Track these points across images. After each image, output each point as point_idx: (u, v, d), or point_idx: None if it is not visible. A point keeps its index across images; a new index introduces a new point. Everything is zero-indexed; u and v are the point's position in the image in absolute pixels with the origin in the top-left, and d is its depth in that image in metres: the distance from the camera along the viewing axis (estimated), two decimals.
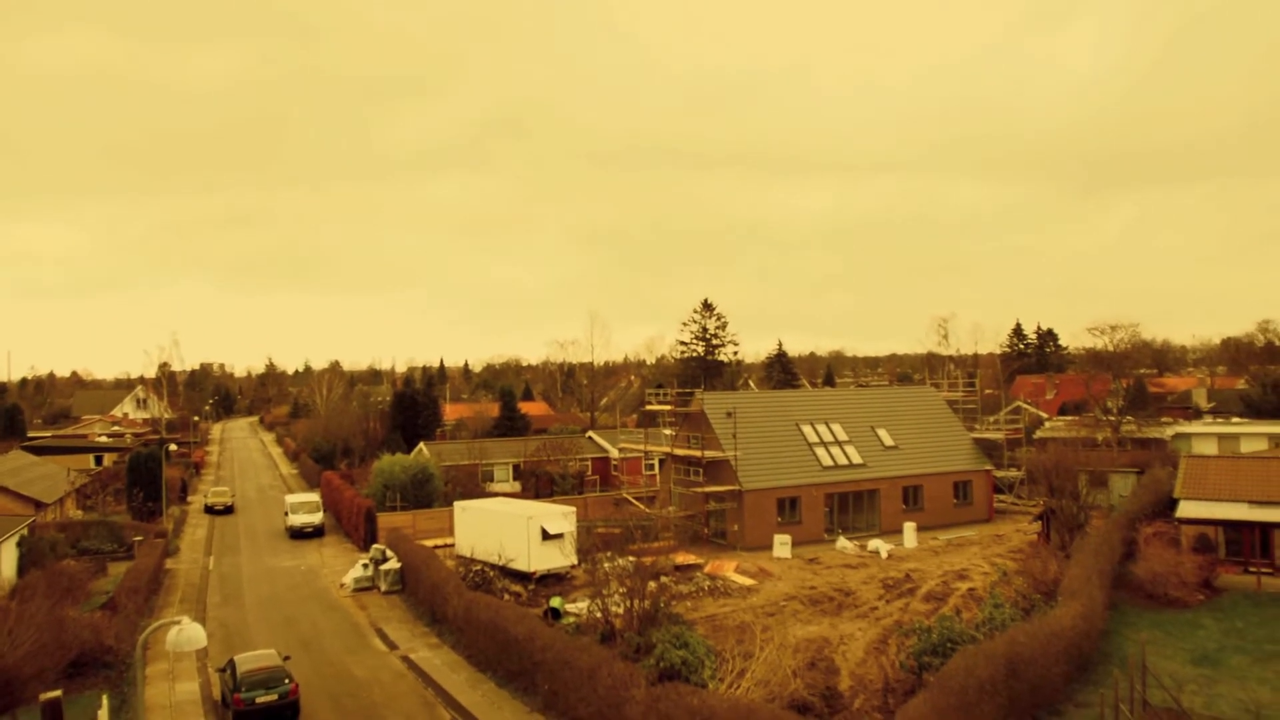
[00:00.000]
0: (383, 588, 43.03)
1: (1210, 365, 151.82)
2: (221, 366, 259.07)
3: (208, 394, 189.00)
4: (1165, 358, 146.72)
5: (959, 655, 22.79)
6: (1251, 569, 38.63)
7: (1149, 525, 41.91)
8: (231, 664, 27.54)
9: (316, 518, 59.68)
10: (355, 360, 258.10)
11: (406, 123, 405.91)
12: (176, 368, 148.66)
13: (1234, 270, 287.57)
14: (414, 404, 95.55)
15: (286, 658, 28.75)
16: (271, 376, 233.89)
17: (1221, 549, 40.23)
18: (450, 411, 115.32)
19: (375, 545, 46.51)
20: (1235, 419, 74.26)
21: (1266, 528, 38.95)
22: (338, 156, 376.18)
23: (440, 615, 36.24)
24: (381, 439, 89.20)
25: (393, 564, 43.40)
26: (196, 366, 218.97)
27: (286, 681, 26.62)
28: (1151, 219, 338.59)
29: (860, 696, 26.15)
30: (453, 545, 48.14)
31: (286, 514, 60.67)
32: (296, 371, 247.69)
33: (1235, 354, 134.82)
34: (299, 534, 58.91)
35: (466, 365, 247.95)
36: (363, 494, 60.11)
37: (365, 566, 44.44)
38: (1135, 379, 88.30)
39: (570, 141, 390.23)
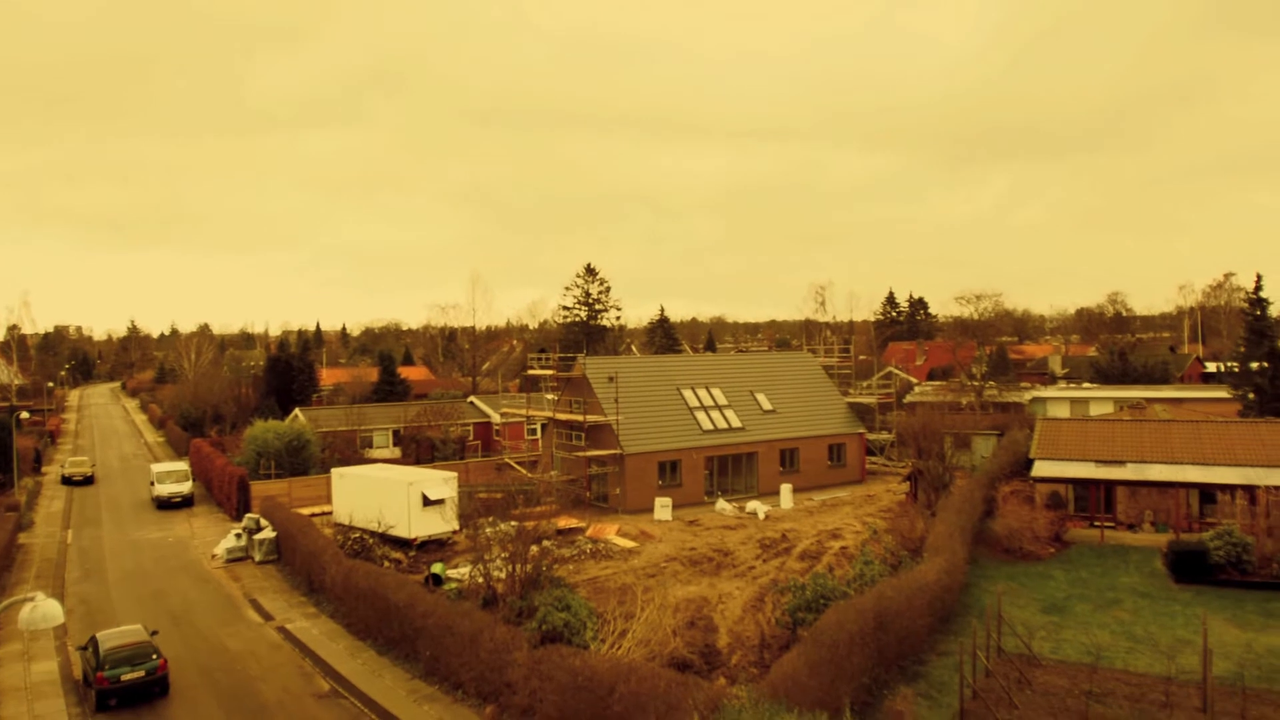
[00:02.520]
0: (257, 558, 41.86)
1: (1065, 334, 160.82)
2: (79, 329, 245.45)
3: (64, 358, 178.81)
4: (1025, 326, 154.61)
5: (831, 610, 23.72)
6: (1096, 523, 41.47)
7: (1007, 484, 44.41)
8: (94, 641, 26.35)
9: (185, 487, 57.40)
10: (226, 323, 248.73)
11: (278, 74, 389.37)
12: (28, 330, 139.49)
13: (1090, 243, 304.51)
14: (289, 369, 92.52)
15: (154, 633, 27.73)
16: (135, 340, 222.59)
17: (1071, 505, 43.02)
18: (327, 376, 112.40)
19: (249, 514, 45.12)
20: (1086, 384, 79.03)
21: (1110, 485, 41.80)
22: (206, 107, 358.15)
23: (318, 584, 35.54)
24: (254, 405, 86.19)
25: (267, 533, 42.23)
26: (50, 329, 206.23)
27: (154, 657, 25.70)
28: (1020, 193, 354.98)
29: (738, 653, 26.98)
30: (330, 513, 47.18)
31: (152, 484, 58.08)
32: (162, 335, 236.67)
33: (1088, 323, 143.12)
34: (166, 504, 56.55)
35: (344, 329, 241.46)
36: (235, 462, 58.13)
37: (238, 536, 43.10)
38: (997, 346, 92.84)
39: (448, 98, 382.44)
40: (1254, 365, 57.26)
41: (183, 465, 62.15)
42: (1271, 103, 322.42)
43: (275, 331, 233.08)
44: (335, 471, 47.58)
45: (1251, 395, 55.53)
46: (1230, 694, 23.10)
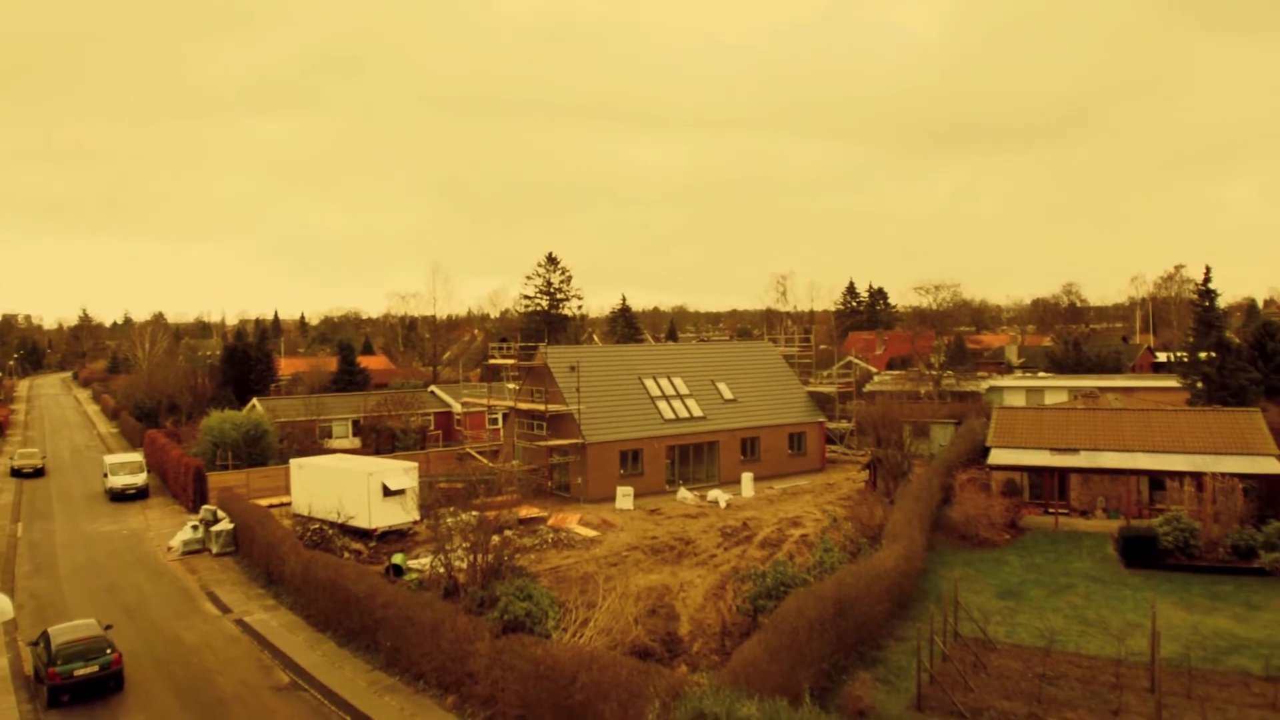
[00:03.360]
0: (214, 550, 41.34)
1: (1021, 324, 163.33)
2: (28, 318, 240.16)
3: (12, 348, 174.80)
4: (983, 316, 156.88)
5: (791, 597, 23.94)
6: (1050, 510, 42.24)
7: (964, 472, 45.03)
8: (45, 636, 25.85)
9: (139, 479, 56.44)
10: (181, 312, 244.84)
11: (229, 56, 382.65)
12: None
13: (1046, 235, 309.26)
14: (246, 358, 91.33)
15: (108, 627, 27.31)
16: (86, 329, 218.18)
17: (1026, 492, 43.77)
18: (285, 366, 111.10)
19: (205, 506, 44.54)
20: (1041, 374, 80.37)
21: (1064, 472, 42.57)
22: (155, 89, 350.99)
23: (276, 576, 35.19)
24: (211, 395, 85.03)
25: (224, 525, 41.71)
26: None
27: (108, 652, 25.30)
28: (978, 184, 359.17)
29: (699, 640, 27.16)
30: (289, 504, 46.72)
31: (106, 475, 57.04)
32: (115, 324, 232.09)
33: (1043, 314, 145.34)
34: (120, 496, 55.56)
35: (303, 318, 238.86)
36: (191, 453, 57.30)
37: (195, 528, 42.52)
38: (955, 336, 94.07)
39: (407, 84, 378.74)
40: (1202, 355, 58.54)
41: (137, 457, 61.14)
42: (1222, 99, 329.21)
43: (232, 320, 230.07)
44: (294, 462, 47.10)
45: (1200, 384, 56.79)
46: (1177, 675, 23.69)
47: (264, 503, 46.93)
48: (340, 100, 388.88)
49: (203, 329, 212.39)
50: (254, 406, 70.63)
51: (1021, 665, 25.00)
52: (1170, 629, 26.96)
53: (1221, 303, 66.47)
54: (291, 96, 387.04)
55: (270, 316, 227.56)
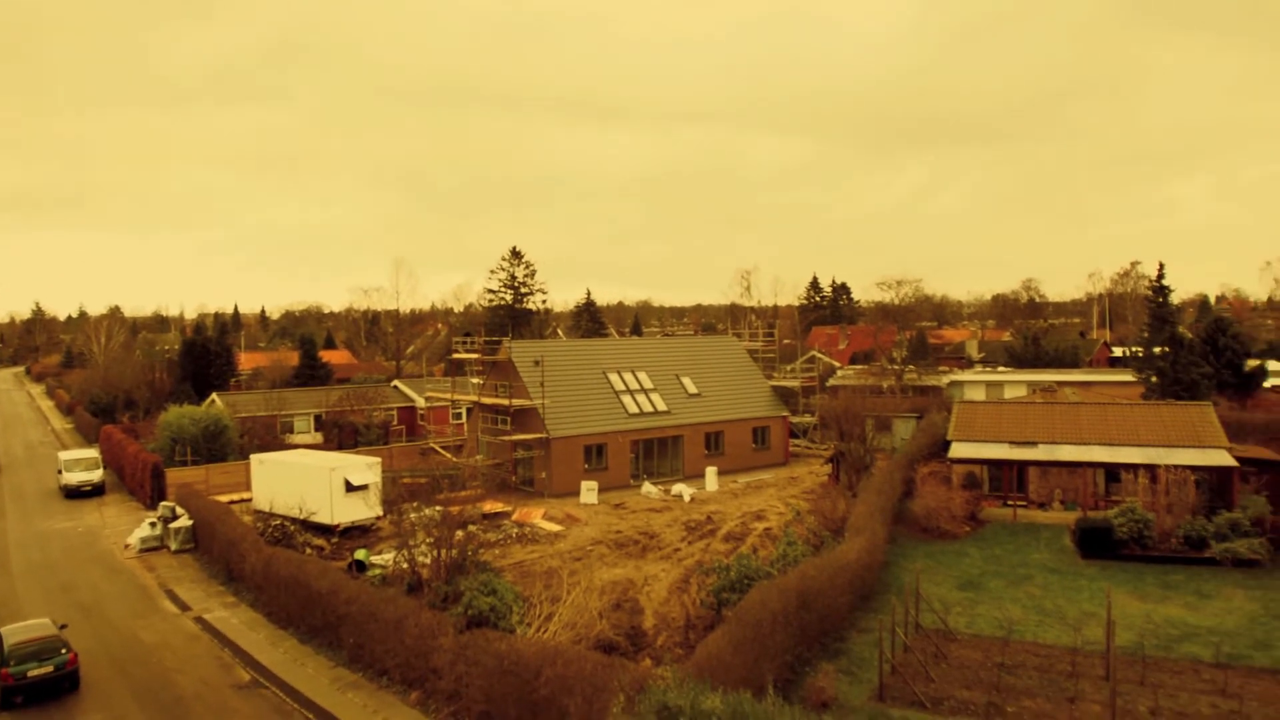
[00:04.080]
0: (173, 547, 40.75)
1: (982, 319, 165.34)
2: None
3: None
4: (944, 311, 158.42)
5: (755, 590, 24.09)
6: (1009, 502, 42.87)
7: (926, 465, 45.59)
8: None
9: (96, 475, 55.49)
10: (138, 306, 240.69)
11: (191, 46, 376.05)
12: None
13: (1007, 231, 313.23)
14: (205, 353, 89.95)
15: (63, 626, 26.87)
16: (40, 323, 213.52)
17: (986, 485, 44.36)
18: (246, 360, 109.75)
19: (164, 503, 43.87)
20: (1001, 368, 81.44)
21: (1023, 465, 43.21)
22: (109, 79, 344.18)
23: (237, 573, 34.78)
24: (169, 390, 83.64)
25: (183, 521, 41.13)
26: None
27: (63, 652, 24.89)
28: (939, 180, 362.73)
29: (663, 634, 27.26)
30: (250, 500, 46.17)
31: (61, 472, 55.96)
32: (70, 317, 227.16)
33: (1003, 309, 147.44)
34: (76, 493, 54.58)
35: (264, 312, 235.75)
36: (149, 449, 56.36)
37: (153, 525, 41.89)
38: (917, 331, 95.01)
39: (369, 75, 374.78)
40: (1156, 350, 59.65)
41: (93, 453, 60.06)
42: (1176, 100, 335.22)
43: (191, 314, 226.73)
44: (255, 458, 46.54)
45: (1154, 379, 57.88)
46: (1131, 663, 24.20)
47: (224, 499, 46.34)
48: (300, 91, 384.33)
49: (161, 323, 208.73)
50: (213, 401, 69.65)
51: (981, 655, 25.38)
52: (1125, 618, 27.51)
53: (1175, 299, 67.73)
54: (251, 87, 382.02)
55: (230, 310, 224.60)
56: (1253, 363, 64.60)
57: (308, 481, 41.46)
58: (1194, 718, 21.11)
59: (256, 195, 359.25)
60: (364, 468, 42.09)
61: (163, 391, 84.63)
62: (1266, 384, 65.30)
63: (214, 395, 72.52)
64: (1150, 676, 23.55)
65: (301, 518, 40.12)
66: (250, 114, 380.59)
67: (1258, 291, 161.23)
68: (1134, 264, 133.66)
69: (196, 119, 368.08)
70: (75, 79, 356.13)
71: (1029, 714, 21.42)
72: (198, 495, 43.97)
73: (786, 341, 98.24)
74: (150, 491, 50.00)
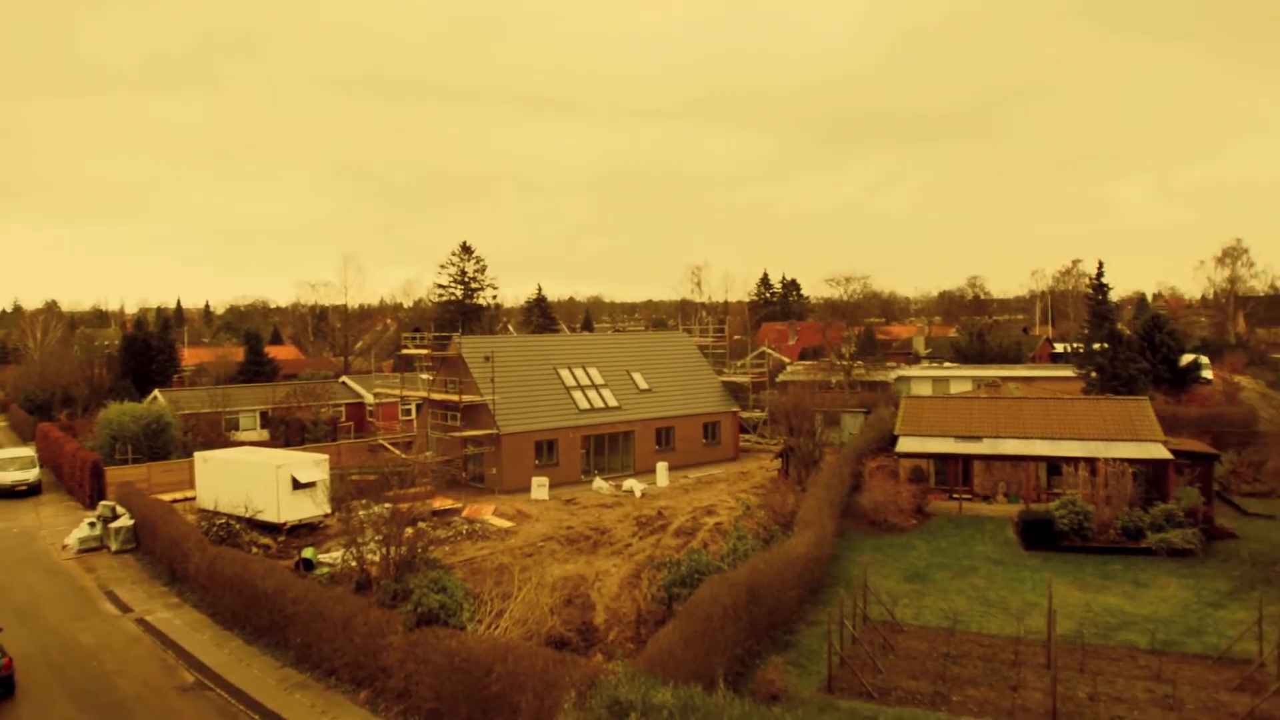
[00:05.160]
0: (113, 547, 39.84)
1: (929, 315, 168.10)
2: None
3: None
4: (892, 308, 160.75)
5: (705, 585, 24.22)
6: (955, 495, 43.64)
7: (874, 460, 46.20)
8: None
9: (31, 474, 54.04)
10: (76, 300, 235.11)
11: (124, 29, 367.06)
12: None
13: (953, 229, 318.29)
14: (147, 348, 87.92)
15: None
16: None
17: (932, 479, 45.11)
18: (189, 356, 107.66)
19: (104, 502, 42.82)
20: (947, 364, 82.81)
21: (968, 459, 44.01)
22: (37, 65, 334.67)
23: (180, 573, 34.11)
24: (109, 387, 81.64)
25: (124, 521, 40.22)
26: None
27: None
28: (889, 179, 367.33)
29: (615, 629, 27.31)
30: (194, 499, 45.33)
31: None
32: (4, 312, 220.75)
33: (949, 306, 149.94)
34: (10, 493, 53.08)
35: (208, 307, 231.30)
36: (88, 447, 55.04)
37: (92, 525, 40.89)
38: (866, 327, 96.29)
39: (309, 64, 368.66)
40: (1096, 346, 61.13)
41: (28, 451, 58.48)
42: (1114, 102, 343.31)
43: (132, 309, 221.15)
44: (199, 455, 45.71)
45: (1094, 374, 59.29)
46: (1071, 651, 24.82)
47: (167, 498, 45.39)
48: (239, 79, 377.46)
49: (100, 318, 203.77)
50: (155, 398, 68.17)
51: (927, 646, 25.84)
52: (1065, 607, 28.18)
53: (1114, 296, 69.67)
54: (187, 74, 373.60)
55: (173, 305, 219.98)
56: (1187, 358, 66.49)
57: (254, 479, 40.82)
58: (1130, 703, 21.71)
59: (198, 187, 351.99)
60: (311, 465, 41.53)
61: (102, 388, 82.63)
62: (1201, 377, 67.25)
63: (156, 392, 71.00)
64: (1090, 664, 24.18)
65: (247, 516, 39.48)
66: (192, 104, 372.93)
67: (1192, 290, 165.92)
68: (1075, 262, 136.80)
69: (133, 106, 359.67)
70: (4, 68, 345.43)
71: (973, 703, 21.86)
72: (139, 494, 43.03)
73: (737, 337, 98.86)
74: (89, 491, 48.82)
